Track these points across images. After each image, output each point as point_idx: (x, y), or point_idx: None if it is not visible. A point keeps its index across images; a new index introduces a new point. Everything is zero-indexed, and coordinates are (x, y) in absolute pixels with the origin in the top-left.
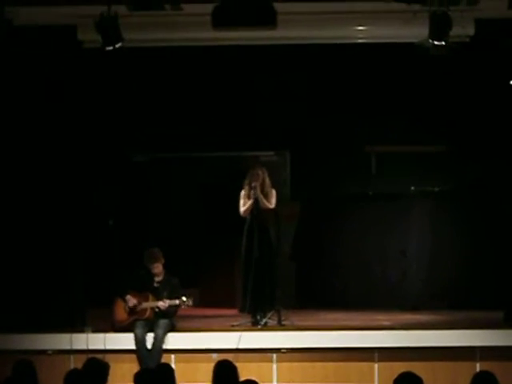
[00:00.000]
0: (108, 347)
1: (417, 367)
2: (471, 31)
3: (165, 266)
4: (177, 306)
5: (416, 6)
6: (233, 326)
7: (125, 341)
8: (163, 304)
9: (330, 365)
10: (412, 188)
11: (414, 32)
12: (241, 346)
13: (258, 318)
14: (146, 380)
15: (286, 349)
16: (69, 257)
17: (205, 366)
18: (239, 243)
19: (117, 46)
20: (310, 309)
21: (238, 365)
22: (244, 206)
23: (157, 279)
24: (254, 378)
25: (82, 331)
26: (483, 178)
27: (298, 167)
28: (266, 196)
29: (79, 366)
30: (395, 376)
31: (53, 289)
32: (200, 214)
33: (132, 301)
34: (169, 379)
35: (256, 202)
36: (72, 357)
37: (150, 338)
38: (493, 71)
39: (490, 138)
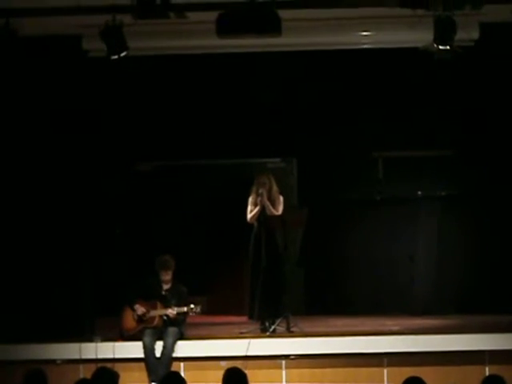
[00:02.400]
0: (117, 356)
1: (426, 372)
2: (476, 35)
3: (174, 275)
4: (185, 314)
5: (420, 11)
6: (241, 333)
7: (134, 349)
8: (172, 312)
9: (340, 370)
10: (419, 193)
11: (419, 37)
12: (250, 353)
13: (267, 324)
14: None
15: (295, 355)
16: (77, 266)
17: (214, 374)
18: (247, 250)
19: (122, 54)
20: (318, 315)
21: (247, 372)
22: (251, 212)
23: (165, 287)
24: None
25: (90, 340)
26: (490, 182)
27: (305, 173)
28: (274, 203)
29: (88, 375)
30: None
31: (61, 298)
32: (207, 221)
33: (140, 309)
34: None
35: (263, 209)
36: (81, 366)
37: (158, 347)
38: (498, 75)
39: (497, 142)
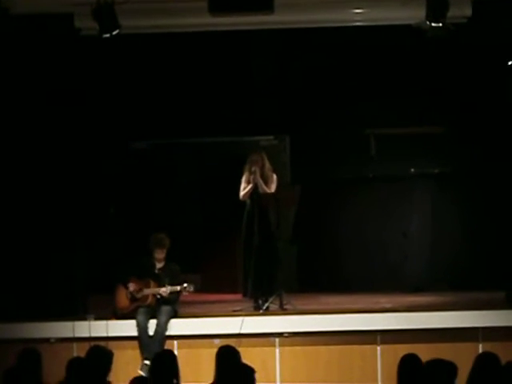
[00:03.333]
0: (110, 334)
1: (420, 349)
2: (468, 12)
3: (167, 253)
4: (178, 292)
5: None
6: (235, 311)
7: (127, 328)
8: (165, 290)
9: (333, 348)
10: (412, 170)
11: (411, 14)
12: (243, 331)
13: (260, 302)
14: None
15: (289, 333)
16: (70, 245)
17: (207, 352)
18: (240, 228)
19: (114, 33)
20: (311, 292)
21: (240, 350)
22: (243, 190)
23: (158, 266)
24: (256, 363)
25: (84, 319)
26: (484, 159)
27: (298, 151)
28: (266, 181)
29: (82, 353)
30: (398, 358)
31: (54, 277)
32: (200, 199)
33: (134, 287)
34: (172, 366)
35: (256, 187)
36: (75, 344)
37: (152, 325)
38: (491, 52)
39: (489, 119)
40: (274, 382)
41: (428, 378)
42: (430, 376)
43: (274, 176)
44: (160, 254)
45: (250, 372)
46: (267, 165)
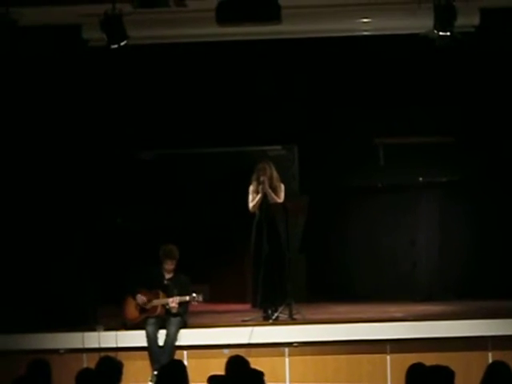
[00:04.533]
0: (120, 345)
1: (429, 358)
2: (476, 21)
3: (176, 264)
4: (187, 303)
5: None
6: (244, 320)
7: (137, 338)
8: (174, 301)
9: (342, 358)
10: (420, 179)
11: (419, 23)
12: (252, 341)
13: (270, 312)
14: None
15: (298, 343)
16: (79, 256)
17: (217, 362)
18: (249, 238)
19: (122, 43)
20: (321, 302)
21: (250, 359)
22: (253, 201)
23: (167, 276)
24: (266, 373)
25: (93, 330)
26: (491, 168)
27: (306, 161)
28: (275, 190)
29: (92, 364)
30: (408, 368)
31: (64, 288)
32: (209, 209)
33: (142, 298)
34: (181, 376)
35: (265, 197)
36: (84, 355)
37: (161, 336)
38: (499, 61)
39: (498, 128)
40: None
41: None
42: (433, 381)
43: (282, 185)
44: (170, 266)
45: (259, 375)
46: (275, 174)
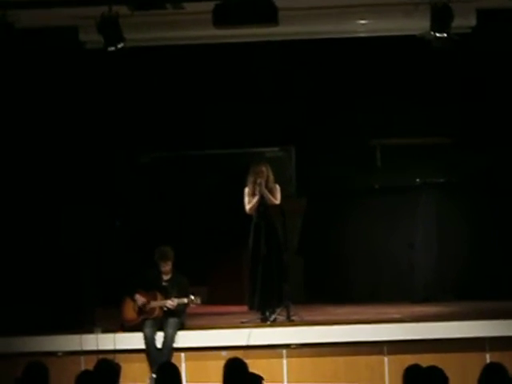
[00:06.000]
0: (118, 347)
1: (427, 359)
2: (473, 22)
3: (173, 265)
4: (185, 305)
5: None
6: (242, 322)
7: (135, 340)
8: (172, 303)
9: (340, 359)
10: (418, 180)
11: (416, 25)
12: (250, 343)
13: (267, 314)
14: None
15: (296, 344)
16: (77, 258)
17: (215, 364)
18: (246, 240)
19: (119, 46)
20: (318, 304)
21: (248, 361)
22: (249, 203)
23: (165, 278)
24: (264, 374)
25: (91, 332)
26: (488, 168)
27: (304, 162)
28: (271, 191)
29: (90, 366)
30: (405, 369)
31: (61, 290)
32: (206, 211)
33: (141, 300)
34: (174, 379)
35: (262, 199)
36: (82, 358)
37: (159, 337)
38: (496, 61)
39: (495, 128)
40: None
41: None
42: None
43: (278, 186)
44: (165, 267)
45: (258, 380)
46: (271, 176)
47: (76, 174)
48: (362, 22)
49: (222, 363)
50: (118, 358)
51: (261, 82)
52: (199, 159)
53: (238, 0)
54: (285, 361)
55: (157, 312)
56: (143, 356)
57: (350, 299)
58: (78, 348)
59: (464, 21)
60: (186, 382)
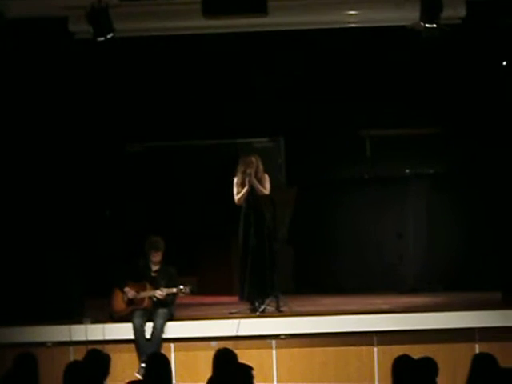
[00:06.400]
0: (107, 338)
1: (416, 350)
2: (463, 13)
3: (163, 256)
4: (174, 295)
5: None
6: (231, 313)
7: (124, 331)
8: (161, 293)
9: (330, 350)
10: (407, 171)
11: (406, 15)
12: (240, 334)
13: (257, 304)
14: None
15: (285, 335)
16: (66, 248)
17: (204, 354)
18: (236, 230)
19: (108, 36)
20: (308, 294)
21: (237, 352)
22: (239, 193)
23: (154, 268)
24: (253, 365)
25: (80, 322)
26: (478, 159)
27: (293, 152)
28: (260, 182)
29: (79, 357)
30: (394, 359)
31: (50, 280)
32: (196, 201)
33: (130, 291)
34: (164, 369)
35: (251, 189)
36: (71, 348)
37: (148, 328)
38: (485, 52)
39: (484, 119)
40: (271, 383)
41: (419, 374)
42: (421, 373)
43: (267, 176)
44: (155, 257)
45: (247, 370)
46: (260, 166)
47: (66, 163)
48: (352, 12)
49: (211, 354)
50: (107, 349)
51: (250, 72)
52: (188, 149)
53: None
54: (274, 351)
55: (146, 303)
56: (132, 346)
57: (339, 290)
58: (67, 338)
59: (454, 12)
60: (176, 372)
